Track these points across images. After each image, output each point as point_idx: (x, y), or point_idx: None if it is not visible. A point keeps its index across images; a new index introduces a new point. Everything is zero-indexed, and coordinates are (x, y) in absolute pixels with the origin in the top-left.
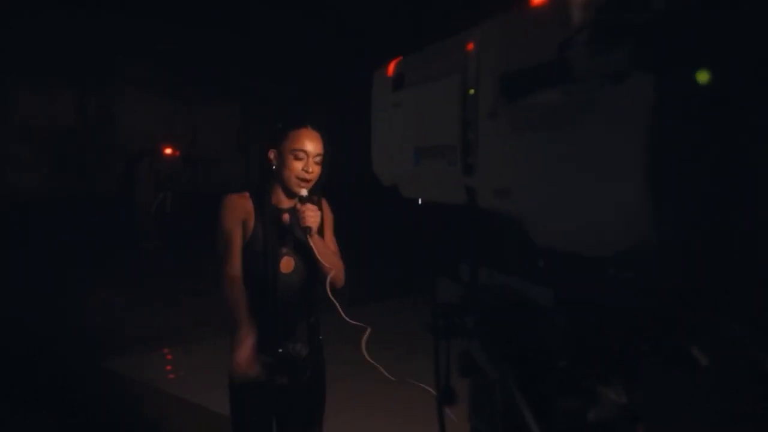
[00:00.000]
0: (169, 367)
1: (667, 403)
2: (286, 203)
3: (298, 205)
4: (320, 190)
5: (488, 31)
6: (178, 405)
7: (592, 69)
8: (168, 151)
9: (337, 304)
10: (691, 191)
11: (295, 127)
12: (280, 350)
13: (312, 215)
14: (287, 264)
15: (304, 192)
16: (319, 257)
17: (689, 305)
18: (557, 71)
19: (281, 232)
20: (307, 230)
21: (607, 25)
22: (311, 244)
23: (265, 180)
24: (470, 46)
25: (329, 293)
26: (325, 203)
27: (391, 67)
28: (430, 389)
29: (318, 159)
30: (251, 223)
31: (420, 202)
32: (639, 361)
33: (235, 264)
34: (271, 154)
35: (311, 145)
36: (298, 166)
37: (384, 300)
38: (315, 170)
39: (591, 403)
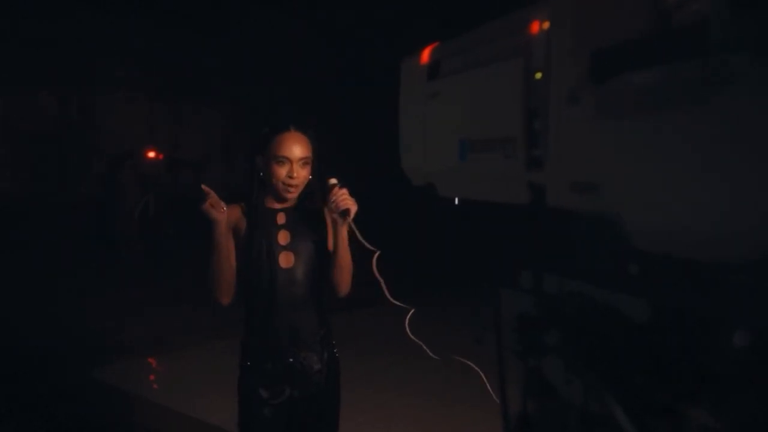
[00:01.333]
0: (152, 376)
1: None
2: (277, 205)
3: (335, 190)
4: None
5: (562, 7)
6: (162, 413)
7: (721, 38)
8: (151, 154)
9: (381, 281)
10: None
11: (279, 131)
12: (291, 360)
13: (348, 197)
14: (287, 258)
15: (291, 196)
16: (362, 239)
17: None
18: (664, 45)
19: (277, 229)
20: (345, 213)
21: None
22: (353, 226)
23: (254, 185)
24: (535, 26)
25: (375, 271)
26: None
27: (425, 55)
28: (473, 365)
29: (303, 162)
30: (242, 228)
31: (456, 201)
32: (732, 381)
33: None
34: (258, 160)
35: (295, 149)
36: (282, 172)
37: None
38: (301, 174)
39: (680, 427)
